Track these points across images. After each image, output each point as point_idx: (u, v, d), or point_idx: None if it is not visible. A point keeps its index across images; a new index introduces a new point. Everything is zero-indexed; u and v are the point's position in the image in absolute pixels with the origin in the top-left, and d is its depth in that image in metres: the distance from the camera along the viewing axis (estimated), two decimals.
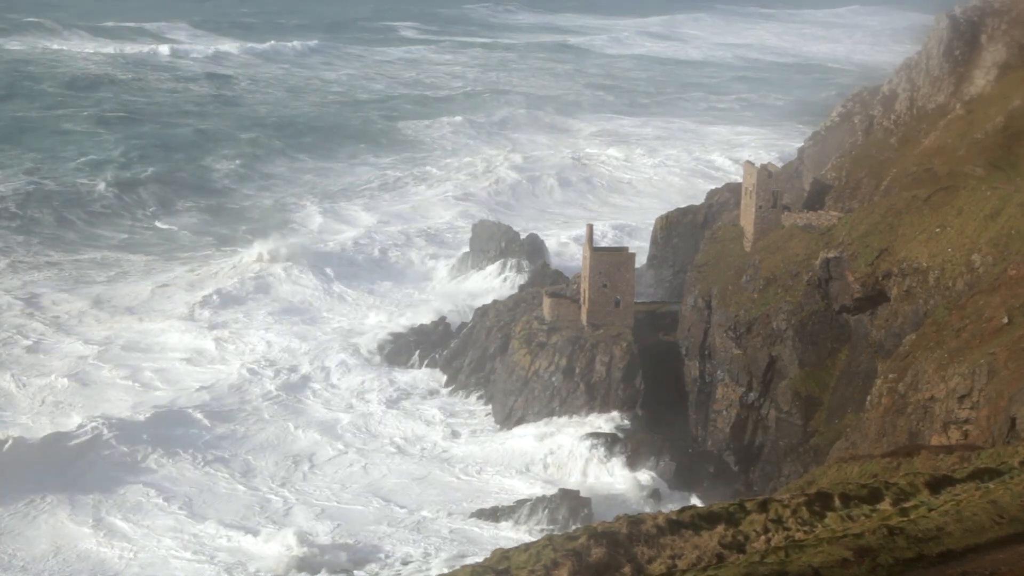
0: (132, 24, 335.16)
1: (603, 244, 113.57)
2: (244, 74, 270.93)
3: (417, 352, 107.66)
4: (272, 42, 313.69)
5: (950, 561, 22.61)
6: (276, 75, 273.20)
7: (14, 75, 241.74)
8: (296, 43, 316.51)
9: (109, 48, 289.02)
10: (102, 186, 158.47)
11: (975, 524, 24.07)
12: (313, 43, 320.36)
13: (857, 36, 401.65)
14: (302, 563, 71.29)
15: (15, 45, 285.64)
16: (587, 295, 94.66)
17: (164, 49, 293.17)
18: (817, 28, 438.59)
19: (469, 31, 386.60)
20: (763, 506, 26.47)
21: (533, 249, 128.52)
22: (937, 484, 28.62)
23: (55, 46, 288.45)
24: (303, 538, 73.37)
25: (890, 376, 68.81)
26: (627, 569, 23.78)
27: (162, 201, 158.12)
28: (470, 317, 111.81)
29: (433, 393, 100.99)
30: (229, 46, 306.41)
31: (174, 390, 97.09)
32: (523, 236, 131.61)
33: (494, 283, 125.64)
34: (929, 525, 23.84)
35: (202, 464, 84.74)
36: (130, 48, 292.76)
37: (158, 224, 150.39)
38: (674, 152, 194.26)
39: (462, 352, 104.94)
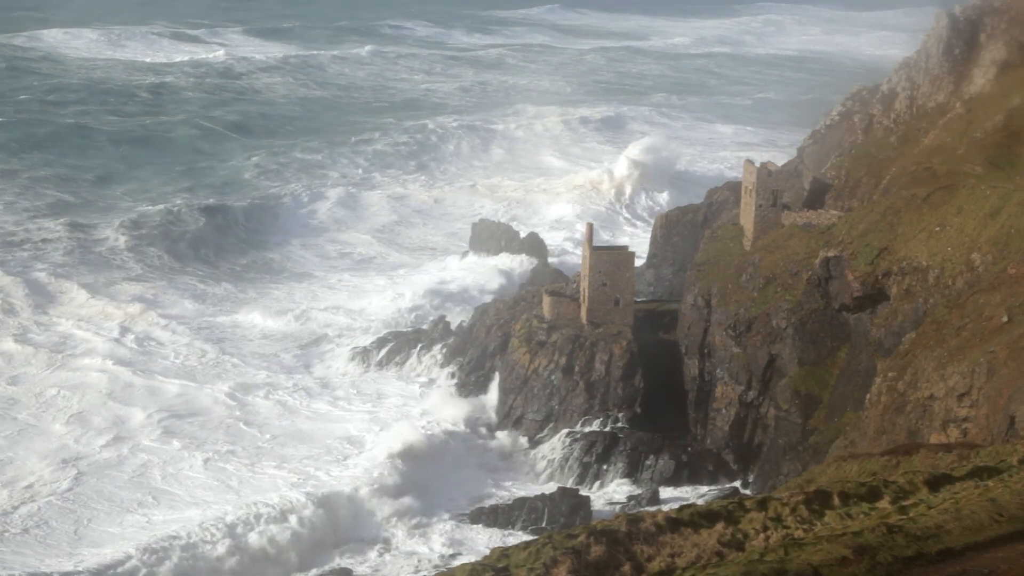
0: (180, 29, 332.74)
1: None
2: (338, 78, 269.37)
3: (417, 350, 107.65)
4: (336, 51, 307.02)
5: (949, 559, 22.64)
6: (343, 79, 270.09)
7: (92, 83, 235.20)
8: (367, 48, 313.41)
9: (180, 56, 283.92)
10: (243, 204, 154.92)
11: (974, 522, 24.10)
12: (387, 49, 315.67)
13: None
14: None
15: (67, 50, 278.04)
16: (587, 294, 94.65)
17: (223, 54, 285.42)
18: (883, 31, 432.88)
19: (531, 33, 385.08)
20: (762, 504, 26.49)
21: (533, 248, 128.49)
22: (936, 482, 28.65)
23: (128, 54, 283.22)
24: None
25: (889, 375, 68.84)
26: (626, 567, 23.79)
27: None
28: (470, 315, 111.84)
29: (432, 392, 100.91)
30: (322, 54, 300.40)
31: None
32: (523, 235, 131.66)
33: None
34: (928, 523, 23.87)
35: None
36: (201, 53, 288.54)
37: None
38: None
39: (462, 351, 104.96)
